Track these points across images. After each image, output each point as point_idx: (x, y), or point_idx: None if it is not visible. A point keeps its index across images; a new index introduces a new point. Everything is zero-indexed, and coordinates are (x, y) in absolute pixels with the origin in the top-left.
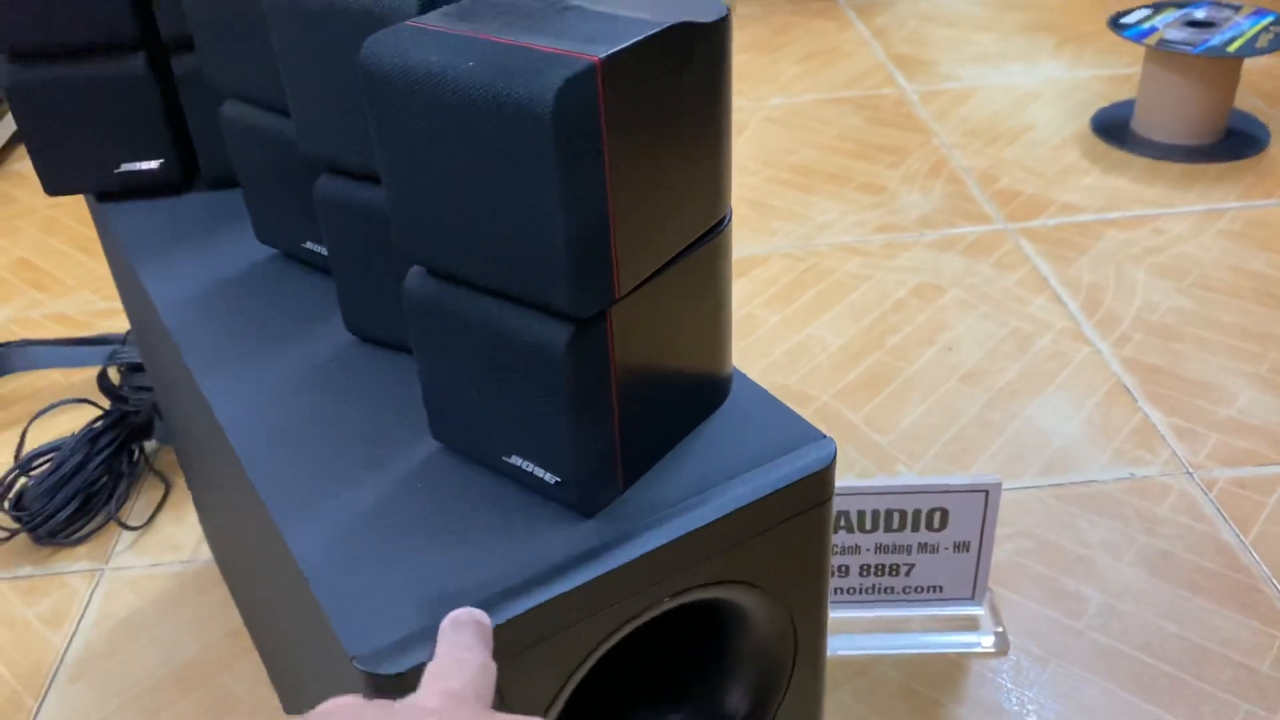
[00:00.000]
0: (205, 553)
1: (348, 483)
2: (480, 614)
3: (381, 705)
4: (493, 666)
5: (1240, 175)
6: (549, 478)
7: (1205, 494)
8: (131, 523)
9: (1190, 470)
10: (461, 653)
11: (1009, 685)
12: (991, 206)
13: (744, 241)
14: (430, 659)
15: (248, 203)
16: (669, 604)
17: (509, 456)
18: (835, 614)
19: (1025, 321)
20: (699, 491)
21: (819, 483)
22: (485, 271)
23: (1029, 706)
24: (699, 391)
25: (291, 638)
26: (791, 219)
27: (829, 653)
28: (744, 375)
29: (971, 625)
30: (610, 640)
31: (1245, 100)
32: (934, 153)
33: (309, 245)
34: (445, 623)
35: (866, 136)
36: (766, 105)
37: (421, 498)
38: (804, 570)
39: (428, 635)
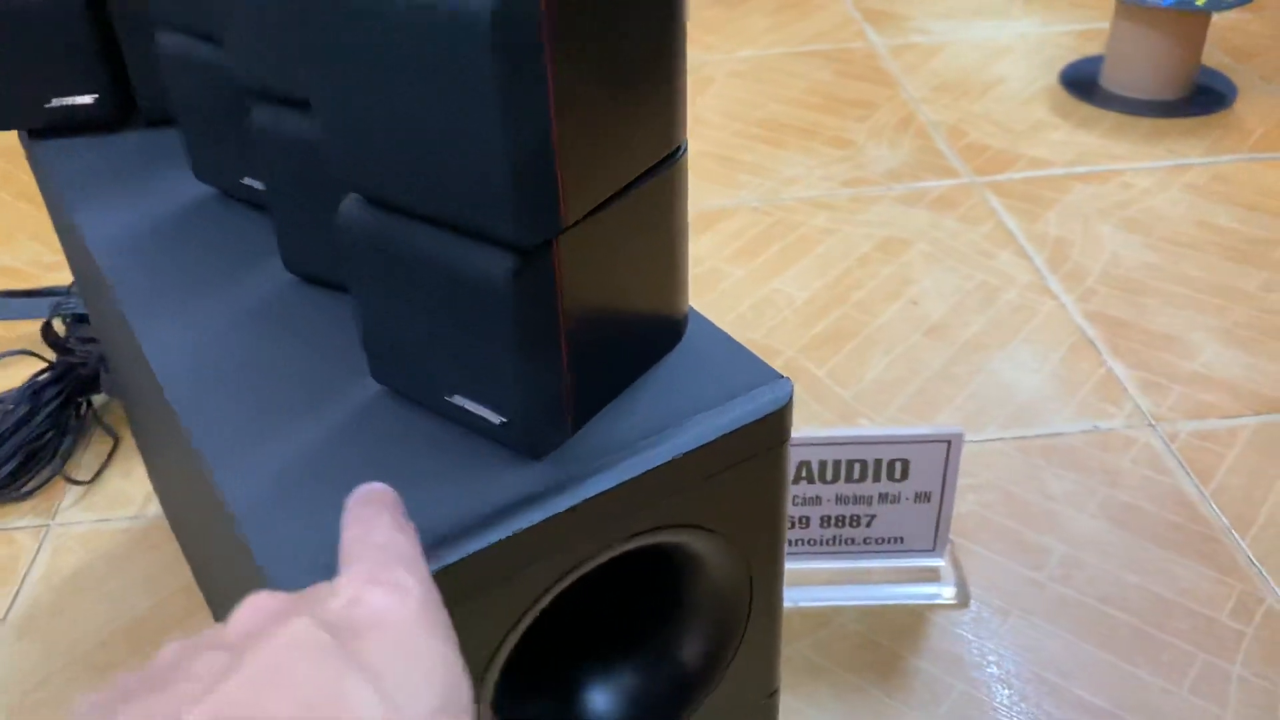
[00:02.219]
0: (155, 508)
1: (283, 425)
2: (387, 489)
3: (304, 599)
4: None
5: (1207, 131)
6: (494, 418)
7: (1168, 446)
8: (79, 477)
9: (1153, 423)
10: (377, 523)
11: (970, 637)
12: (959, 161)
13: (710, 195)
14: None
15: (185, 139)
16: (620, 549)
17: (452, 397)
18: (795, 565)
19: (991, 275)
20: (652, 433)
21: (776, 424)
22: (424, 198)
23: (989, 658)
24: (653, 330)
25: (233, 590)
26: (758, 173)
27: (789, 604)
28: (701, 316)
29: (932, 577)
30: (558, 586)
31: (1213, 57)
32: (902, 107)
33: (248, 182)
34: (352, 500)
35: (835, 90)
36: (734, 58)
37: (360, 440)
38: (760, 515)
39: None
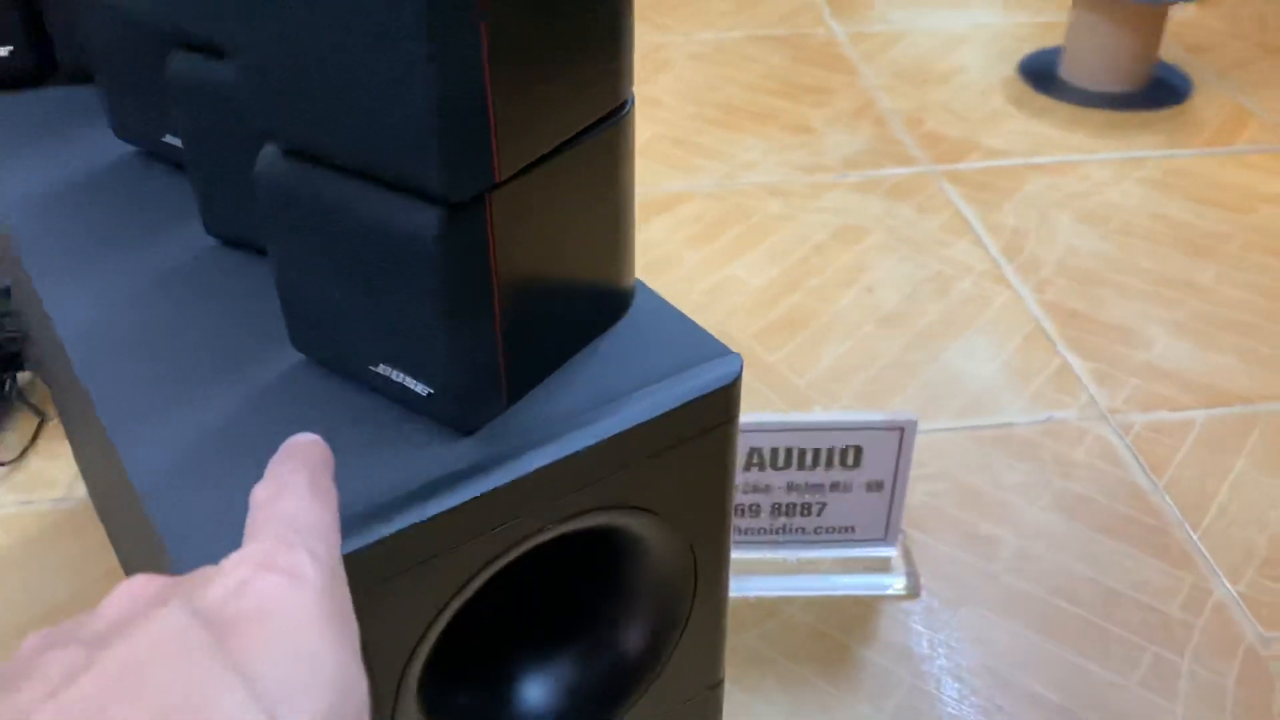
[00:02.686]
0: (81, 490)
1: (195, 396)
2: (317, 441)
3: (183, 584)
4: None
5: (1162, 124)
6: (421, 389)
7: (1121, 438)
8: (1, 458)
9: (1107, 414)
10: (291, 487)
11: (920, 628)
12: (917, 149)
13: (666, 178)
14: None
15: (105, 95)
16: (556, 531)
17: (376, 366)
18: (744, 554)
19: (947, 265)
20: (592, 408)
21: (723, 400)
22: (347, 147)
23: (939, 650)
24: (596, 300)
25: (145, 570)
26: (715, 157)
27: (736, 594)
28: (648, 288)
29: (883, 567)
30: (488, 571)
31: (1170, 51)
32: (861, 94)
33: (169, 140)
34: (278, 453)
35: (793, 76)
36: (693, 40)
37: (276, 412)
38: (705, 497)
39: None
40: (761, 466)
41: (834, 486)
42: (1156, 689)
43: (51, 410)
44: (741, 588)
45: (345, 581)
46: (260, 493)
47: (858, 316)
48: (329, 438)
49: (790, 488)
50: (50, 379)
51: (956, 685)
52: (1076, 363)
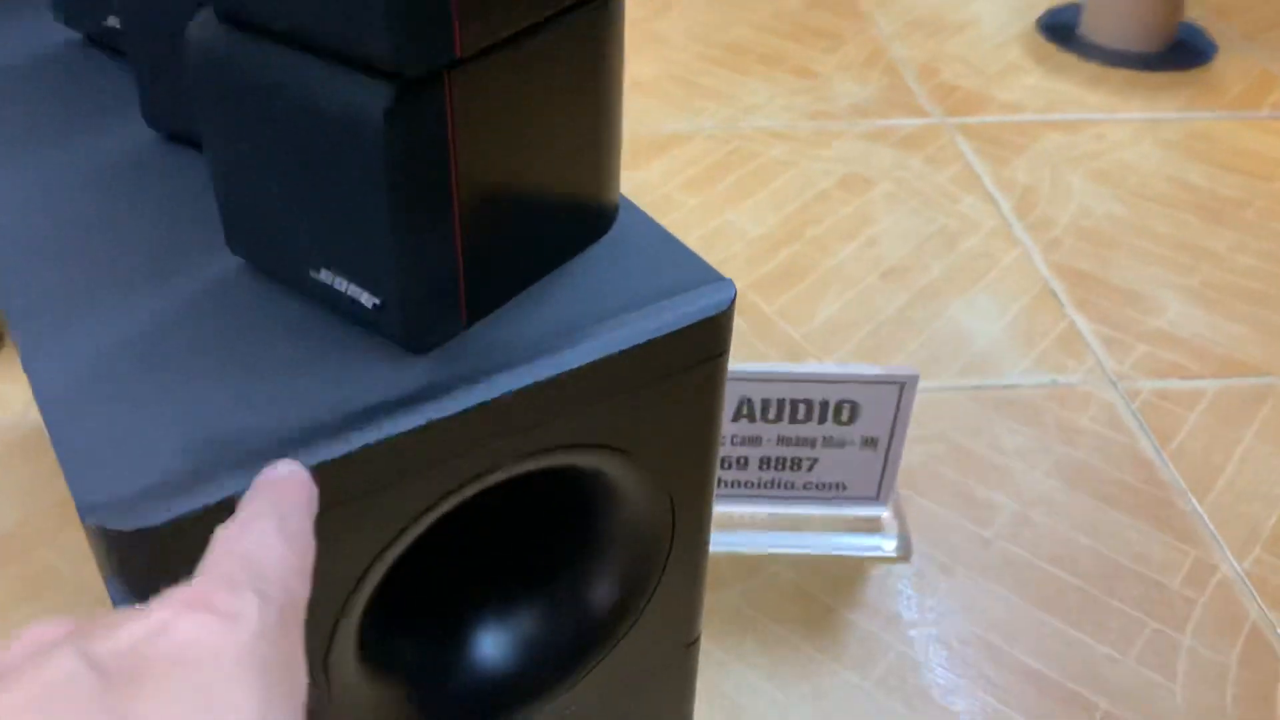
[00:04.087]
0: (35, 415)
1: (116, 303)
2: (298, 473)
3: (90, 627)
4: (304, 555)
5: (1184, 86)
6: (367, 300)
7: (1128, 405)
8: None
9: (1114, 380)
10: (256, 527)
11: (909, 592)
12: (929, 100)
13: (666, 119)
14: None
15: None
16: (517, 469)
17: (319, 273)
18: (728, 508)
19: (954, 219)
20: (565, 333)
21: (712, 332)
22: (290, 11)
23: (929, 616)
24: (572, 213)
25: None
26: (718, 99)
27: (719, 549)
28: (634, 206)
29: (874, 527)
30: (440, 508)
31: (1195, 11)
32: (872, 41)
33: (111, 23)
34: (255, 482)
35: (804, 19)
36: None
37: (205, 322)
38: (688, 441)
39: (191, 482)
40: (752, 417)
41: (827, 441)
42: (1155, 665)
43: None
44: (724, 542)
45: (299, 633)
46: (221, 531)
47: (860, 269)
48: (263, 351)
49: (781, 441)
50: None
51: (946, 654)
52: (1085, 326)
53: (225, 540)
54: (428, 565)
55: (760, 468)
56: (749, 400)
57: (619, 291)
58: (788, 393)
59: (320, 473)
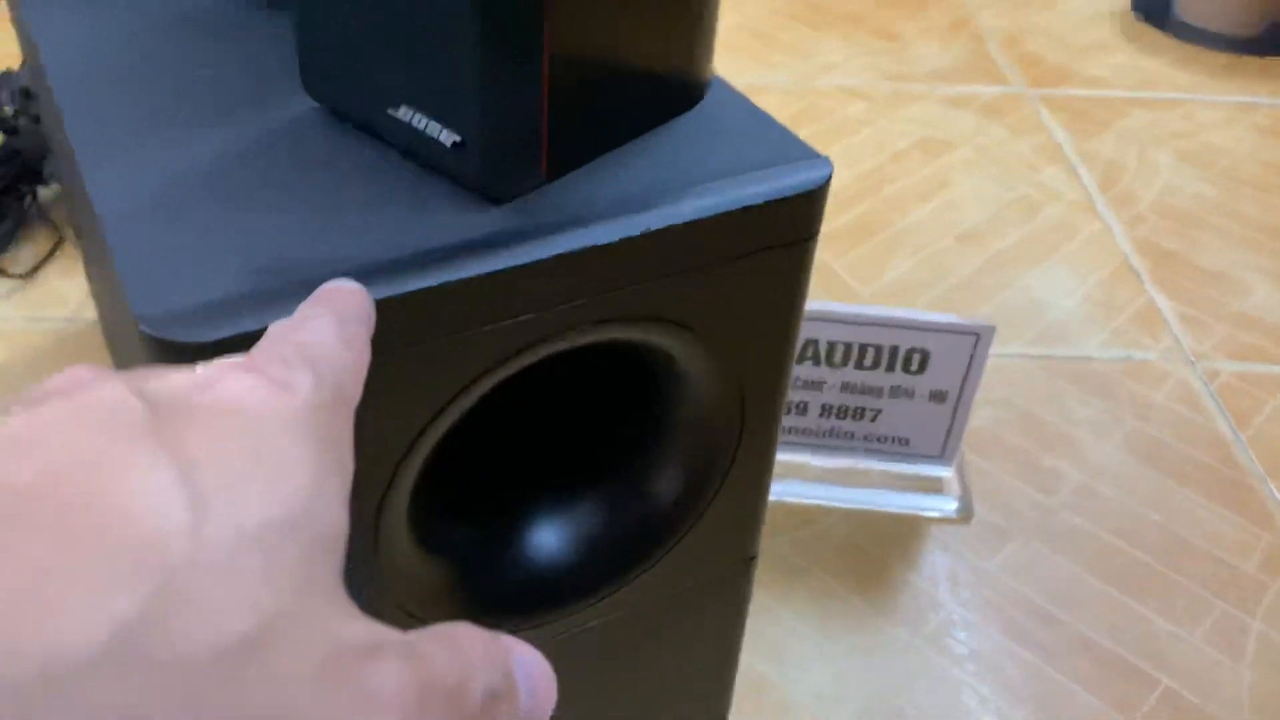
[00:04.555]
0: (90, 313)
1: (187, 136)
2: (354, 285)
3: (134, 372)
4: (360, 353)
5: None
6: (446, 137)
7: (1206, 385)
8: (14, 271)
9: (1193, 359)
10: (313, 323)
11: (966, 554)
12: (1013, 70)
13: (741, 71)
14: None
15: None
16: (588, 337)
17: (397, 109)
18: (785, 456)
19: (1035, 189)
20: (648, 195)
21: (804, 209)
22: None
23: (985, 579)
24: (664, 79)
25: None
26: (795, 54)
27: (771, 497)
28: (726, 83)
29: (935, 487)
30: (503, 370)
31: None
32: (958, 8)
33: None
34: (307, 300)
35: None
36: None
37: (277, 159)
38: (766, 328)
39: (248, 304)
40: (816, 360)
41: (894, 392)
42: (1222, 647)
43: (70, 232)
44: (776, 491)
45: (350, 425)
46: (276, 324)
47: (934, 230)
48: (332, 190)
49: (845, 388)
50: (62, 177)
51: (1001, 618)
52: (1164, 304)
53: (280, 329)
54: (485, 449)
55: (821, 415)
56: (815, 342)
57: (707, 161)
58: (857, 336)
59: (383, 310)
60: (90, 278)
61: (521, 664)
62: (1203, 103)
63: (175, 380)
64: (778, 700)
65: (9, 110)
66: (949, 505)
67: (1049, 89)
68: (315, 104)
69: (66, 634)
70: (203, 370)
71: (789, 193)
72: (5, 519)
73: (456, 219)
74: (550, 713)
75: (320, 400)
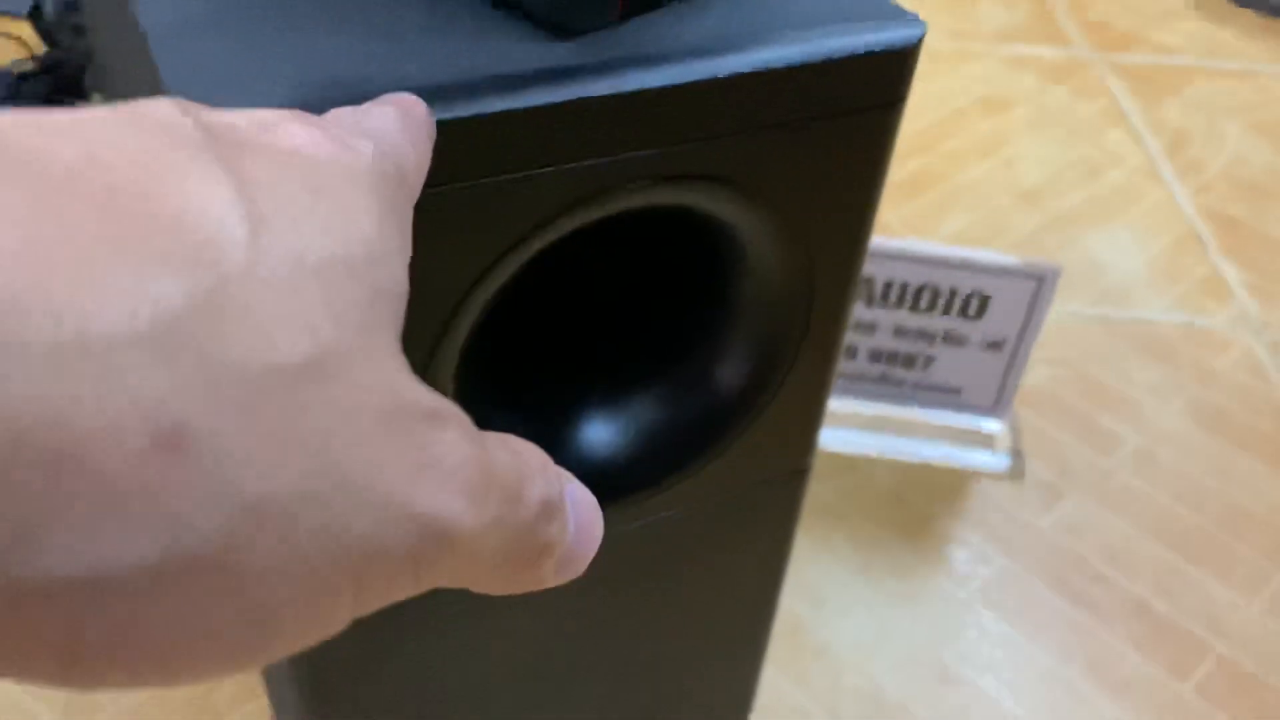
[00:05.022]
0: None
1: None
2: (416, 98)
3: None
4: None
5: None
6: None
7: (1272, 355)
8: None
9: (1258, 328)
10: (377, 110)
11: (1017, 511)
12: (1078, 33)
13: None
14: None
15: None
16: (652, 195)
17: None
18: (831, 403)
19: (1098, 151)
20: (726, 39)
21: (892, 69)
22: None
23: (1037, 536)
24: None
25: None
26: None
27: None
28: None
29: (986, 442)
30: (561, 223)
31: None
32: None
33: None
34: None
35: None
36: None
37: None
38: (842, 202)
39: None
40: (869, 301)
41: (948, 338)
42: None
43: None
44: (821, 439)
45: (410, 204)
46: (338, 109)
47: (993, 188)
48: (398, 15)
49: (898, 332)
50: (107, 95)
51: (1052, 576)
52: (1231, 272)
53: (342, 111)
54: (537, 336)
55: (870, 360)
56: (869, 279)
57: (791, 11)
58: (912, 275)
59: (440, 135)
60: None
61: (572, 495)
62: (1275, 74)
63: (232, 115)
64: (815, 643)
65: (52, 22)
66: (1000, 462)
67: (1116, 54)
68: None
69: (109, 303)
70: (260, 111)
71: (878, 48)
72: (44, 182)
73: (521, 50)
74: (592, 555)
75: (383, 169)
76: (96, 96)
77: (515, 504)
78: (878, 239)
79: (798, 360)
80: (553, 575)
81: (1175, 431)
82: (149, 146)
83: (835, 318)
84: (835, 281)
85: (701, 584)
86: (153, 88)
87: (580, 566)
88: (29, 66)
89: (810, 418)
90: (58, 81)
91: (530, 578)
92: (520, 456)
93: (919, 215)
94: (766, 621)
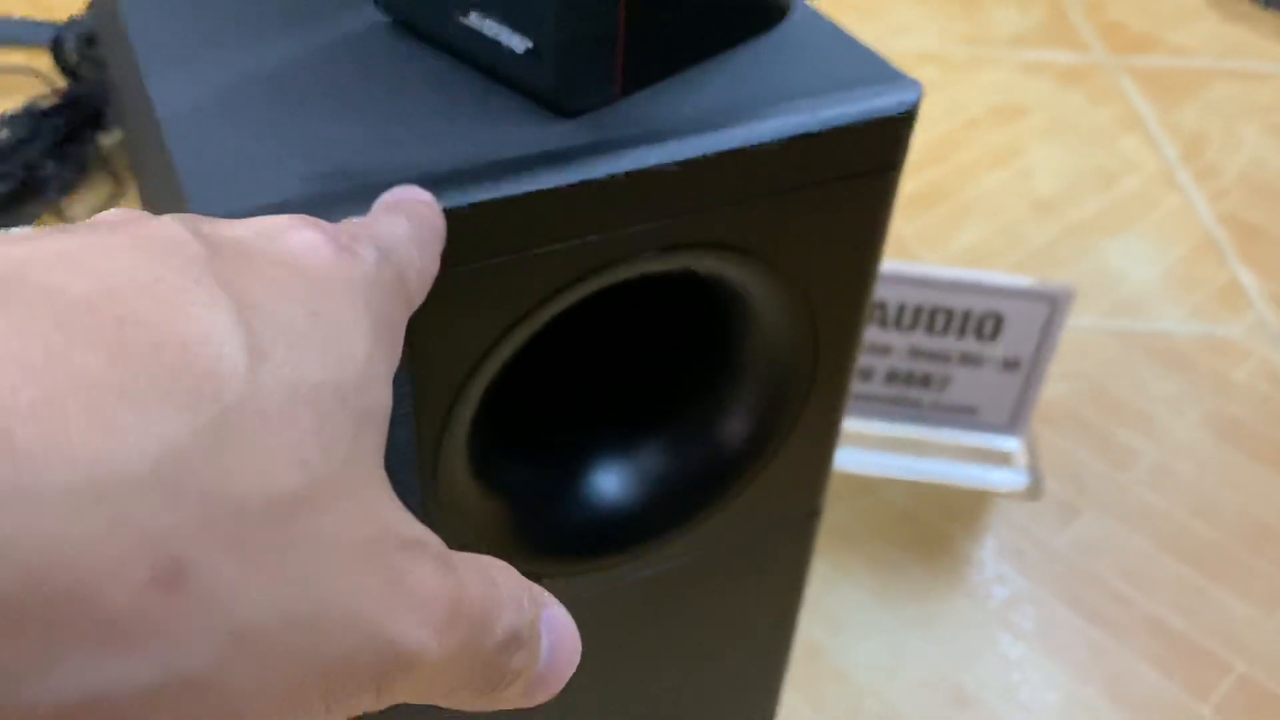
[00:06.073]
0: None
1: (249, 44)
2: (426, 196)
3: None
4: (429, 258)
5: None
6: (518, 43)
7: None
8: (76, 217)
9: (1278, 337)
10: (387, 218)
11: (1034, 529)
12: (1093, 37)
13: None
14: None
15: None
16: (657, 263)
17: (466, 15)
18: (846, 424)
19: (1113, 159)
20: (725, 114)
21: (889, 135)
22: None
23: (1054, 555)
24: None
25: None
26: (867, 17)
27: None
28: (810, 6)
29: (1003, 461)
30: (570, 292)
31: None
32: None
33: None
34: (378, 202)
35: None
36: None
37: (340, 69)
38: (843, 264)
39: (310, 208)
40: (884, 323)
41: (964, 358)
42: None
43: (131, 181)
44: (837, 459)
45: (406, 313)
46: (349, 219)
47: (1007, 198)
48: (402, 98)
49: (913, 353)
50: (126, 123)
51: (1069, 595)
52: (1249, 280)
53: (353, 221)
54: (548, 387)
55: (886, 381)
56: (883, 304)
57: (788, 81)
58: (927, 299)
59: (450, 221)
60: (144, 200)
61: (550, 620)
62: None
63: (235, 227)
64: (832, 668)
65: (73, 56)
66: (1017, 480)
67: (1131, 56)
68: (383, 15)
69: (118, 446)
70: (266, 220)
71: (874, 115)
72: (57, 324)
73: (525, 131)
74: (567, 679)
75: (381, 277)
76: (116, 131)
77: (481, 634)
78: (890, 263)
79: (803, 413)
80: (520, 698)
81: (1193, 444)
82: (157, 274)
83: (840, 372)
84: (839, 338)
85: (716, 624)
86: (168, 172)
87: (553, 689)
88: (50, 102)
89: (819, 463)
90: (79, 116)
91: (494, 700)
92: (494, 586)
93: (933, 228)
94: (783, 657)
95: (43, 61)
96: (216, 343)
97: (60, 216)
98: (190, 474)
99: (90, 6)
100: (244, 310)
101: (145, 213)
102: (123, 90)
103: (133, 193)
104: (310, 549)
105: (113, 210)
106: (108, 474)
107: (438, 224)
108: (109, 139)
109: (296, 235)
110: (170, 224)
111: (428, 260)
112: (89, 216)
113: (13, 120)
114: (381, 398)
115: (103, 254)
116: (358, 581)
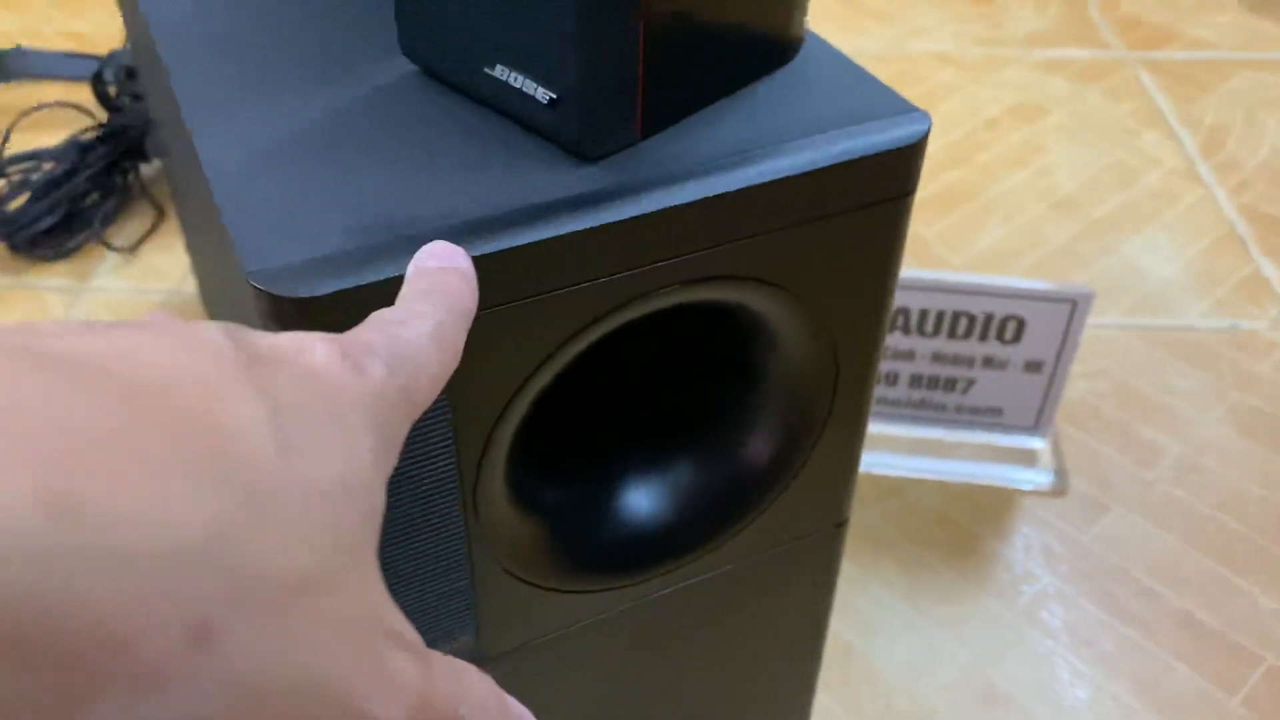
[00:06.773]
0: (192, 286)
1: (289, 97)
2: (462, 262)
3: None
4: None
5: None
6: (542, 94)
7: None
8: (119, 245)
9: None
10: (414, 322)
11: (1061, 527)
12: (1111, 32)
13: (829, 37)
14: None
15: None
16: (682, 296)
17: (493, 68)
18: (873, 428)
19: (1133, 155)
20: (743, 152)
21: (901, 166)
22: None
23: (1082, 552)
24: (758, 35)
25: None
26: (883, 20)
27: (860, 468)
28: (821, 39)
29: (1029, 460)
30: (601, 325)
31: None
32: None
33: None
34: (412, 272)
35: None
36: None
37: (376, 120)
38: (861, 288)
39: (355, 260)
40: (907, 329)
41: (987, 362)
42: None
43: (170, 206)
44: (865, 463)
45: (407, 424)
46: (380, 312)
47: (1027, 198)
48: (433, 147)
49: (937, 358)
50: (167, 158)
51: (1097, 592)
52: (1272, 272)
53: (382, 318)
54: (580, 410)
55: (911, 386)
56: (905, 310)
57: (801, 117)
58: (949, 304)
59: (481, 266)
60: (191, 248)
61: None
62: None
63: (268, 338)
64: (865, 669)
65: (113, 89)
66: (1043, 479)
67: (1150, 51)
68: (413, 66)
69: (174, 516)
70: (293, 335)
71: (885, 147)
72: (128, 407)
73: (551, 177)
74: None
75: (384, 392)
76: (156, 161)
77: None
78: (911, 270)
79: (827, 429)
80: None
81: (1218, 439)
82: (206, 372)
83: (860, 389)
84: (858, 356)
85: (748, 633)
86: (217, 226)
87: None
88: (92, 135)
89: (844, 476)
90: (120, 147)
91: None
92: (461, 690)
93: (954, 230)
94: (815, 663)
95: (83, 95)
96: (254, 434)
97: (104, 246)
98: (229, 547)
99: (129, 41)
100: (274, 409)
101: (181, 321)
102: (163, 127)
103: (173, 222)
104: (314, 625)
105: (155, 311)
106: (165, 541)
107: (467, 305)
108: (149, 169)
109: (317, 351)
110: (214, 330)
111: (447, 356)
112: (133, 245)
113: (56, 154)
114: (379, 499)
115: (161, 351)
116: (348, 659)
